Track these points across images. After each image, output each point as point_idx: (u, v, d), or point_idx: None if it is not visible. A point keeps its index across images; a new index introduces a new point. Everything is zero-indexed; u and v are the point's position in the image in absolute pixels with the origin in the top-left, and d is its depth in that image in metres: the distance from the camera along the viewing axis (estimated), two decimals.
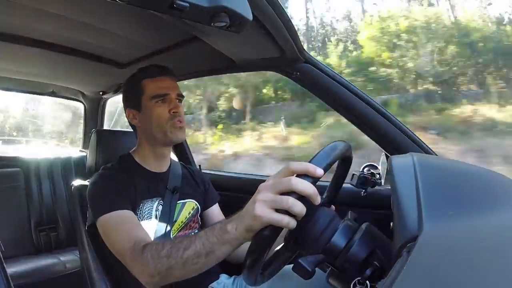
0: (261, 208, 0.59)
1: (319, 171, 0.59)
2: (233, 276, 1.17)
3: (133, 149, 1.22)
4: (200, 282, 1.09)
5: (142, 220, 1.07)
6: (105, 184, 1.06)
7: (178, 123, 1.13)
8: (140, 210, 1.08)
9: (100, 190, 1.05)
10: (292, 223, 0.59)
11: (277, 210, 0.58)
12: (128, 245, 0.88)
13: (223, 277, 1.17)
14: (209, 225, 0.90)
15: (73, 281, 1.84)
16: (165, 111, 1.12)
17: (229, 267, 1.17)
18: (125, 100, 1.21)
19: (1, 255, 0.76)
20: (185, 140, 1.84)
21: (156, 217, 1.10)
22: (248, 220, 0.62)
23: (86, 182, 1.19)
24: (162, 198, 1.14)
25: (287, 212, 0.58)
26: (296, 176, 0.60)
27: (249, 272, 0.61)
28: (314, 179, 0.59)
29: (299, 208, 0.58)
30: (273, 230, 0.59)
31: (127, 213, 1.00)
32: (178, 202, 1.17)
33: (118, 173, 1.11)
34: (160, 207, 1.12)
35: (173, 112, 1.12)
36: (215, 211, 1.31)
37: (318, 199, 0.60)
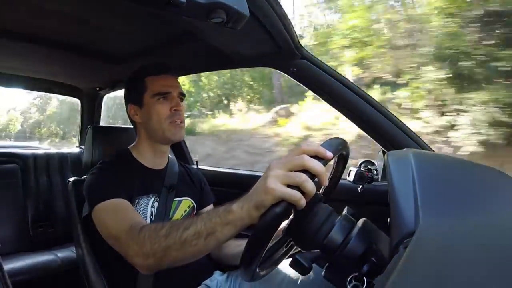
0: (274, 182, 0.59)
1: (329, 154, 0.62)
2: (226, 273, 1.17)
3: (132, 145, 1.22)
4: (193, 280, 1.09)
5: None
6: (102, 175, 1.07)
7: (178, 122, 1.14)
8: (136, 206, 1.07)
9: (97, 181, 1.05)
10: (303, 201, 0.58)
11: (289, 187, 0.58)
12: (125, 227, 0.87)
13: (217, 274, 1.16)
14: None
15: (70, 277, 1.83)
16: (166, 109, 1.13)
17: (223, 264, 1.18)
18: (127, 96, 1.21)
19: None
20: (183, 139, 1.84)
21: (151, 214, 1.09)
22: (258, 196, 0.60)
23: (82, 178, 1.19)
24: (158, 195, 1.13)
25: (298, 189, 0.58)
26: None
27: (247, 267, 0.61)
28: (324, 161, 0.61)
29: (311, 185, 0.58)
30: (285, 207, 0.58)
31: (123, 201, 1.00)
32: (174, 199, 1.17)
33: (116, 167, 1.11)
34: (156, 204, 1.12)
35: (174, 110, 1.13)
36: None
37: (326, 181, 0.63)
